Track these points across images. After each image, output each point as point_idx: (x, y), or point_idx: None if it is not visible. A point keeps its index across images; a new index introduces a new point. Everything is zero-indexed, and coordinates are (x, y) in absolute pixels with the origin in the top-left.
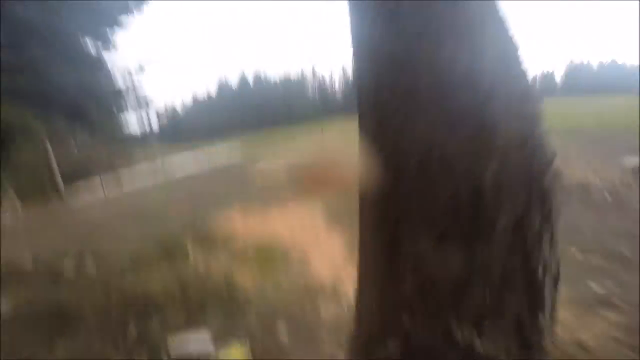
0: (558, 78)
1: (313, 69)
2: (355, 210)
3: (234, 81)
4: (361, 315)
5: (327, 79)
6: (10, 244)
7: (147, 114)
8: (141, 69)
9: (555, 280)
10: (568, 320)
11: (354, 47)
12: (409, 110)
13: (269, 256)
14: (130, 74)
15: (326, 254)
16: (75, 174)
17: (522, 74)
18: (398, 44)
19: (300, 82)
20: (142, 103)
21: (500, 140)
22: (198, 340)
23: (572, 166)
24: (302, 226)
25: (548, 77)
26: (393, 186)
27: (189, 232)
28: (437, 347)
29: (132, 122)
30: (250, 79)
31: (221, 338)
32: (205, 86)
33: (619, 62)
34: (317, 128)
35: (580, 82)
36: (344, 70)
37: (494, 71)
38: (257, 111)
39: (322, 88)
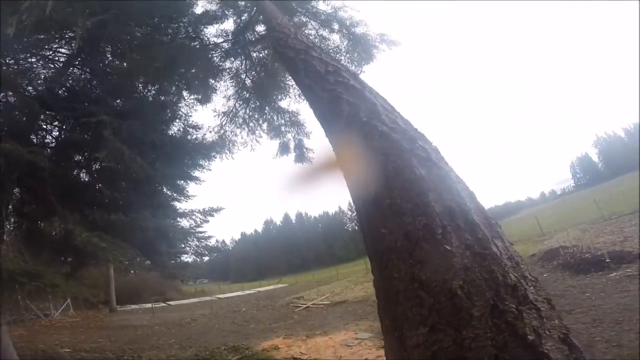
0: (596, 158)
1: (349, 202)
2: None
3: (278, 219)
4: None
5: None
6: (53, 336)
7: (203, 255)
8: (205, 216)
9: (563, 339)
10: None
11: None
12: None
13: None
14: (195, 221)
15: None
16: (129, 298)
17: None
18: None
19: (338, 216)
20: (202, 247)
21: (459, 260)
22: None
23: None
24: (346, 350)
25: (585, 161)
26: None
27: (230, 350)
28: None
29: (189, 261)
30: (293, 217)
31: None
32: (252, 226)
33: None
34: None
35: (618, 158)
36: None
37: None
38: (300, 250)
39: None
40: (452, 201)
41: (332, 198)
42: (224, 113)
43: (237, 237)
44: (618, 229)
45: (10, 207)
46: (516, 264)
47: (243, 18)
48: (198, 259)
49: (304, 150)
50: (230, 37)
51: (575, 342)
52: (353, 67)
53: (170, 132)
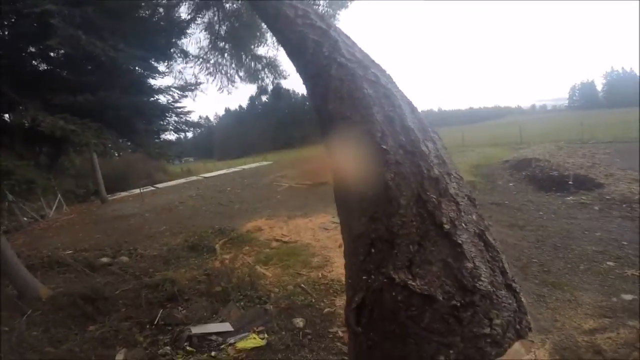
0: (599, 88)
1: None
2: None
3: (264, 96)
4: (346, 289)
5: None
6: (53, 239)
7: (185, 133)
8: (182, 91)
9: (480, 235)
10: (589, 325)
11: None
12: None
13: (290, 254)
14: (172, 97)
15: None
16: (118, 184)
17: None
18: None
19: None
20: (182, 123)
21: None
22: (219, 327)
23: (616, 179)
24: (324, 233)
25: (587, 88)
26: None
27: (217, 233)
28: (385, 292)
29: (173, 139)
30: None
31: (242, 327)
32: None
33: None
34: None
35: (623, 92)
36: None
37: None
38: (287, 128)
39: None
40: (393, 112)
41: None
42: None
43: (221, 113)
44: (591, 153)
45: None
46: (442, 162)
47: None
48: (180, 136)
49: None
50: None
51: (492, 240)
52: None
53: (135, 14)
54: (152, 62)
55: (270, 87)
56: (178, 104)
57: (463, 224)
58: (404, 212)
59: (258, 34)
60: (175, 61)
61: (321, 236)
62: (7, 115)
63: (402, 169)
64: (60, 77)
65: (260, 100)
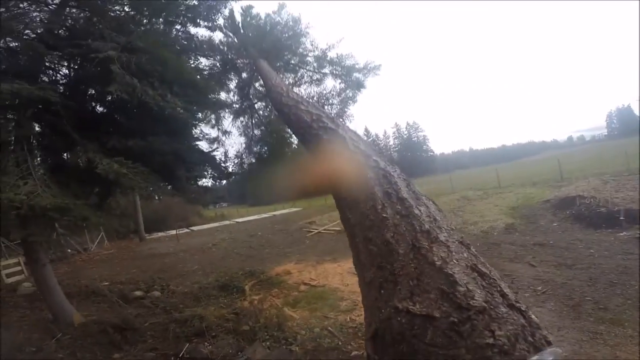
0: (637, 112)
1: (365, 127)
2: None
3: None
4: (364, 326)
5: (381, 137)
6: (92, 270)
7: (222, 180)
8: (221, 142)
9: (472, 267)
10: None
11: None
12: None
13: (318, 297)
14: (213, 146)
15: None
16: (156, 225)
17: None
18: None
19: None
20: (220, 172)
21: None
22: None
23: None
24: (352, 278)
25: (624, 113)
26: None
27: (247, 275)
28: (392, 320)
29: (209, 186)
30: None
31: None
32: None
33: None
34: None
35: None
36: (397, 127)
37: None
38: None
39: (376, 148)
40: (390, 188)
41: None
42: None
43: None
44: None
45: (33, 141)
46: (434, 219)
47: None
48: (216, 182)
49: None
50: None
51: (486, 270)
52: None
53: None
54: (194, 112)
55: None
56: (214, 154)
57: (454, 260)
58: (403, 258)
59: (286, 135)
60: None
61: (349, 281)
62: (64, 155)
63: (400, 229)
64: (115, 121)
65: (291, 148)
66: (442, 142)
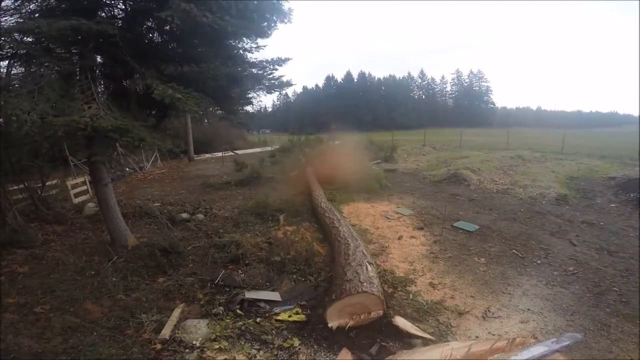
0: None
1: (421, 70)
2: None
3: (340, 76)
4: None
5: (437, 82)
6: (147, 190)
7: (275, 88)
8: (273, 65)
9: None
10: None
11: None
12: None
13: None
14: (264, 70)
15: (403, 250)
16: (204, 147)
17: None
18: None
19: (406, 81)
20: (274, 83)
21: None
22: (269, 295)
23: None
24: (384, 222)
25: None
26: None
27: (285, 203)
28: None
29: (254, 112)
30: (355, 76)
31: (289, 299)
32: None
33: None
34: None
35: None
36: (458, 73)
37: None
38: (358, 110)
39: (430, 92)
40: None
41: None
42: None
43: (299, 90)
44: None
45: (96, 71)
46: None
47: None
48: (261, 110)
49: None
50: None
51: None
52: None
53: None
54: (251, 38)
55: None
56: (269, 76)
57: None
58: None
59: None
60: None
61: (381, 224)
62: (125, 82)
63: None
64: (171, 49)
65: (336, 81)
66: (507, 96)
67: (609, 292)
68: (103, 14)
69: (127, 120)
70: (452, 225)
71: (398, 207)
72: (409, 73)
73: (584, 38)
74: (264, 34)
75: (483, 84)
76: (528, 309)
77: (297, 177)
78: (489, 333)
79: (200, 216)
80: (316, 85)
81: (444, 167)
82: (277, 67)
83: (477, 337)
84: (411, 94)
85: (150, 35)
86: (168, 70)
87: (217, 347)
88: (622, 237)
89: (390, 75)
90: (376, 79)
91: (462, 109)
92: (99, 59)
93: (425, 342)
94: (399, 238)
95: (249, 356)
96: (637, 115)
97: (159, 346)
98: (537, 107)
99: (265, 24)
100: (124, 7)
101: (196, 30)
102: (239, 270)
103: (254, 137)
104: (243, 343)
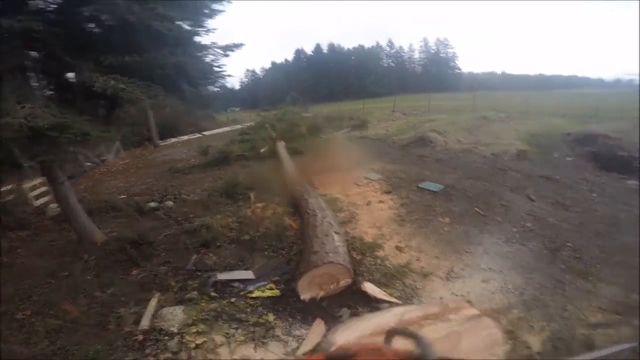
0: None
1: (389, 39)
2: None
3: (309, 50)
4: None
5: (405, 50)
6: (111, 183)
7: (228, 85)
8: (225, 51)
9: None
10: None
11: None
12: None
13: None
14: (215, 54)
15: (372, 215)
16: (168, 131)
17: None
18: None
19: (374, 51)
20: (224, 77)
21: None
22: (242, 274)
23: None
24: (354, 189)
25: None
26: None
27: (255, 180)
28: None
29: (217, 92)
30: (325, 48)
31: (262, 276)
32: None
33: None
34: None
35: None
36: (425, 42)
37: None
38: (329, 81)
39: (399, 60)
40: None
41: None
42: None
43: (268, 66)
44: None
45: (30, 69)
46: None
47: None
48: (227, 87)
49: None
50: None
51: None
52: None
53: None
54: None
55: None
56: (219, 65)
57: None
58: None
59: None
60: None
61: (351, 192)
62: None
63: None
64: (110, 41)
65: (306, 54)
66: (473, 61)
67: (564, 247)
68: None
69: (68, 115)
70: (418, 186)
71: (367, 172)
72: (377, 42)
73: (545, 4)
74: (204, 16)
75: (449, 50)
76: (489, 268)
77: (267, 152)
78: (452, 294)
79: (169, 203)
80: (286, 60)
81: (412, 131)
82: (227, 52)
83: (441, 298)
84: (381, 63)
85: (87, 26)
86: (108, 61)
87: (194, 331)
88: (576, 190)
89: (359, 45)
90: (346, 49)
91: (430, 75)
92: (32, 55)
93: (392, 307)
94: (368, 204)
95: (227, 336)
96: (594, 78)
97: (140, 337)
98: (502, 72)
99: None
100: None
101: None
102: (211, 254)
103: (222, 117)
104: (221, 324)
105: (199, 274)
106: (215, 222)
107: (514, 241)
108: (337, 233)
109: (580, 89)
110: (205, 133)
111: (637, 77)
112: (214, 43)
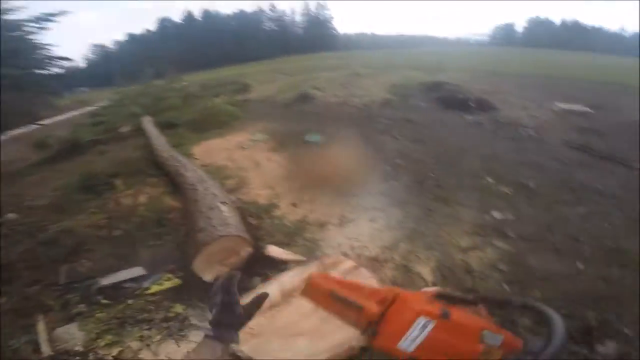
0: (520, 29)
1: (272, 4)
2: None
3: (178, 17)
4: None
5: (287, 13)
6: None
7: (64, 63)
8: (40, 20)
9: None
10: (465, 243)
11: None
12: None
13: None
14: (31, 29)
15: (263, 176)
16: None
17: None
18: None
19: (256, 16)
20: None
21: None
22: (130, 273)
23: (510, 105)
24: (240, 153)
25: (508, 28)
26: None
27: (119, 165)
28: None
29: (51, 73)
30: (198, 14)
31: (155, 269)
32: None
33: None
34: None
35: (541, 37)
36: (306, 6)
37: None
38: (205, 49)
39: (281, 23)
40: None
41: None
42: None
43: (123, 38)
44: (497, 83)
45: None
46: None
47: None
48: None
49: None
50: None
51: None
52: None
53: None
54: None
55: None
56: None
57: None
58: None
59: None
60: None
61: (237, 156)
62: None
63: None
64: None
65: (173, 22)
66: (347, 24)
67: (428, 179)
68: None
69: None
70: (303, 140)
71: (253, 134)
72: (259, 7)
73: None
74: None
75: (326, 12)
76: (373, 207)
77: (130, 131)
78: (348, 238)
79: (11, 215)
80: (148, 30)
81: (294, 90)
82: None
83: (339, 244)
84: (263, 27)
85: None
86: None
87: (104, 343)
88: (430, 128)
89: (239, 10)
90: (225, 14)
91: (311, 37)
92: None
93: (297, 264)
94: (257, 165)
95: (142, 339)
96: (440, 37)
97: None
98: (371, 33)
99: None
100: None
101: None
102: (83, 260)
103: (65, 100)
104: (130, 329)
105: (76, 285)
106: (77, 224)
107: (389, 178)
108: (224, 203)
109: (430, 47)
110: (45, 122)
111: (474, 37)
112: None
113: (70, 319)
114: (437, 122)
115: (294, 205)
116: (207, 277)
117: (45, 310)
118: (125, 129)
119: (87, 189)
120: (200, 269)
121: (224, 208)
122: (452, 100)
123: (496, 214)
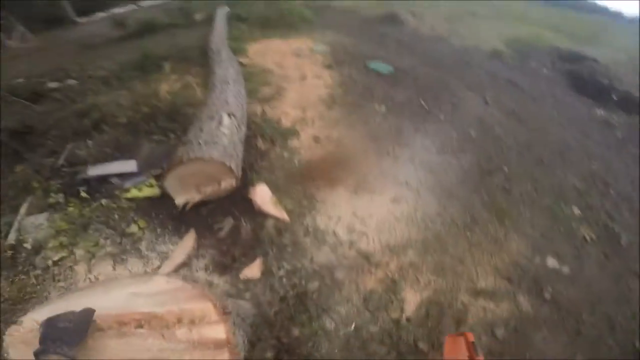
0: None
1: None
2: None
3: None
4: None
5: None
6: (11, 67)
7: None
8: None
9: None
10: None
11: None
12: None
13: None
14: None
15: (302, 93)
16: (92, 4)
17: None
18: None
19: None
20: None
21: None
22: (121, 167)
23: None
24: (292, 60)
25: None
26: None
27: (174, 50)
28: None
29: None
30: None
31: (149, 166)
32: None
33: None
34: None
35: None
36: None
37: None
38: None
39: None
40: None
41: None
42: None
43: None
44: None
45: None
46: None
47: None
48: None
49: None
50: None
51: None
52: None
53: None
54: None
55: None
56: None
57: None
58: None
59: None
60: None
61: (288, 63)
62: None
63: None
64: None
65: None
66: None
67: (497, 172)
68: None
69: None
70: (365, 65)
71: (315, 44)
72: None
73: None
74: None
75: None
76: (406, 182)
77: (203, 19)
78: (353, 214)
79: (71, 81)
80: None
81: (385, 9)
82: None
83: (339, 217)
84: None
85: None
86: None
87: (52, 245)
88: (539, 106)
89: None
90: None
91: None
92: None
93: (278, 224)
94: (302, 78)
95: (91, 249)
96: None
97: (9, 253)
98: None
99: None
100: None
101: None
102: (90, 141)
103: None
104: (91, 233)
105: (65, 170)
106: (110, 100)
107: (447, 151)
108: (230, 115)
109: (595, 16)
110: (142, 4)
111: None
112: None
113: (45, 208)
114: (552, 102)
115: (316, 140)
116: (179, 199)
117: (30, 193)
118: (199, 16)
119: (141, 67)
120: (172, 188)
121: (226, 121)
122: (588, 81)
123: (551, 261)
